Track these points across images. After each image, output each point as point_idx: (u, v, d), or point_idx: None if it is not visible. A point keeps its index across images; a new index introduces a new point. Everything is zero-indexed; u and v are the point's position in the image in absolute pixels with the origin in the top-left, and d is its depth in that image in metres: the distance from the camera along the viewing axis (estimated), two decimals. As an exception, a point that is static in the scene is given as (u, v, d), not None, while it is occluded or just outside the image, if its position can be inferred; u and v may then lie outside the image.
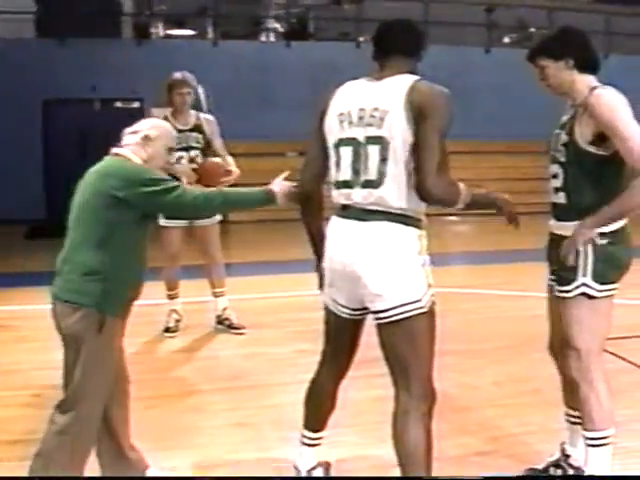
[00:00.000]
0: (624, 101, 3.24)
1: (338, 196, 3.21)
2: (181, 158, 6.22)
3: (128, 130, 3.49)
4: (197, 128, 6.34)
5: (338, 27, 18.38)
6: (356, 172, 3.12)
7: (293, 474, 3.67)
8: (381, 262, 3.04)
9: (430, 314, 3.12)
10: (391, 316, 3.07)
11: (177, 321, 6.56)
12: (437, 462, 3.22)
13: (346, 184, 3.16)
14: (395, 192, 3.04)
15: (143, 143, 3.42)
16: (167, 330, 6.49)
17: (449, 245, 11.71)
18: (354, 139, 3.14)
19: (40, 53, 14.61)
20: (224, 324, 6.57)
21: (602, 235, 3.29)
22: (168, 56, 14.07)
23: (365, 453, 4.06)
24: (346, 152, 3.16)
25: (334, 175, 3.24)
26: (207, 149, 6.35)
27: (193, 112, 6.39)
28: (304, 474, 3.59)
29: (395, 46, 3.26)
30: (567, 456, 3.78)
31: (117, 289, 3.25)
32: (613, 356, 5.72)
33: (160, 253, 6.26)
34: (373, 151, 3.07)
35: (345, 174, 3.16)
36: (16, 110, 14.23)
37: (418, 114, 3.00)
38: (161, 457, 3.87)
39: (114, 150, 3.42)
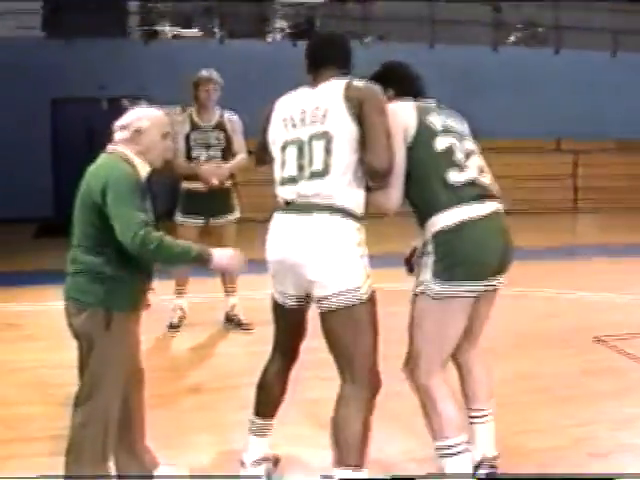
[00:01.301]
0: (402, 112, 3.39)
1: (282, 192, 3.35)
2: (199, 156, 6.26)
3: (118, 124, 3.39)
4: (219, 126, 6.36)
5: (344, 26, 18.34)
6: (301, 168, 3.28)
7: (299, 472, 3.68)
8: (321, 251, 3.16)
9: (371, 303, 3.22)
10: (332, 303, 3.17)
11: (181, 318, 6.56)
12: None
13: (291, 180, 3.31)
14: (340, 182, 3.21)
15: (135, 137, 3.34)
16: (171, 326, 6.51)
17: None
18: (298, 139, 3.33)
19: (48, 53, 14.63)
20: (233, 322, 6.57)
21: (441, 232, 3.29)
22: (175, 55, 14.14)
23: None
24: (291, 151, 3.34)
25: (279, 173, 3.39)
26: (228, 148, 6.36)
27: (218, 110, 6.41)
28: (249, 467, 3.61)
29: (327, 59, 3.48)
30: None
31: (122, 287, 3.25)
32: (621, 354, 5.71)
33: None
34: (318, 145, 3.26)
35: (290, 170, 3.32)
36: (24, 109, 14.26)
37: (358, 105, 3.24)
38: (167, 455, 3.86)
39: (110, 147, 3.37)
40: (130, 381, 3.45)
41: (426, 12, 16.77)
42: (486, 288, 3.39)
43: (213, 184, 6.19)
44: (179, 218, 6.32)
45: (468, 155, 3.42)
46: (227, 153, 6.36)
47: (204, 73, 6.38)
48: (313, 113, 3.32)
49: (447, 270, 3.25)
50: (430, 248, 3.30)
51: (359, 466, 3.15)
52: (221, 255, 3.28)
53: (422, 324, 3.35)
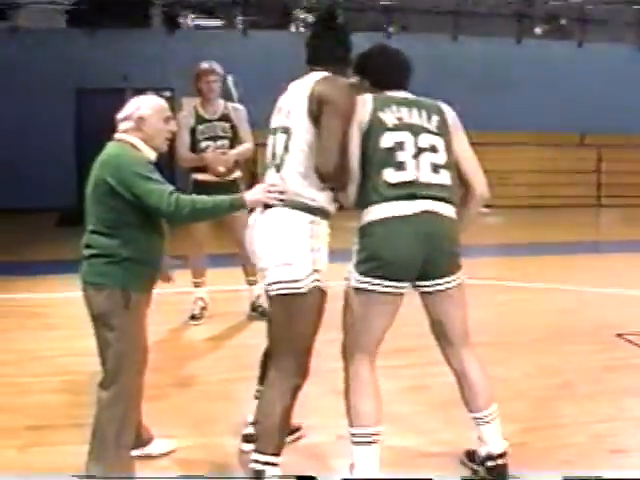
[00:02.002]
0: (359, 107, 3.37)
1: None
2: (207, 147, 6.27)
3: (119, 117, 3.54)
4: (225, 117, 6.37)
5: (367, 17, 18.29)
6: (272, 157, 3.47)
7: (322, 462, 3.67)
8: (269, 243, 3.33)
9: (310, 297, 3.29)
10: (272, 290, 3.34)
11: (202, 309, 6.58)
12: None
13: (265, 168, 3.50)
14: (292, 177, 3.34)
15: (139, 125, 3.49)
16: (192, 317, 6.53)
17: (479, 237, 11.64)
18: (274, 128, 3.51)
19: (72, 43, 14.71)
20: (257, 311, 6.56)
21: (363, 226, 3.33)
22: (198, 46, 14.12)
23: (391, 443, 4.02)
24: (270, 140, 3.53)
25: None
26: (235, 138, 6.38)
27: (222, 101, 6.42)
28: (248, 426, 3.79)
29: (319, 52, 3.55)
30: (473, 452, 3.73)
31: (137, 267, 3.41)
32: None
33: (186, 241, 6.30)
34: (280, 139, 3.42)
35: (268, 159, 3.51)
36: (49, 99, 14.35)
37: (319, 105, 3.30)
38: (186, 445, 3.87)
39: (116, 136, 3.53)
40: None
41: (449, 4, 16.69)
42: (424, 289, 3.39)
43: (220, 172, 6.18)
44: None
45: (420, 152, 3.34)
46: (234, 143, 6.38)
47: (204, 65, 6.39)
48: (287, 106, 3.46)
49: (363, 263, 3.31)
50: (355, 239, 3.38)
51: (276, 455, 3.33)
52: (254, 193, 3.41)
53: (344, 311, 3.43)
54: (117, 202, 3.35)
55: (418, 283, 3.38)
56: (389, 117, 3.36)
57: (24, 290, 7.73)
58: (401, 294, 3.36)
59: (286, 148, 3.38)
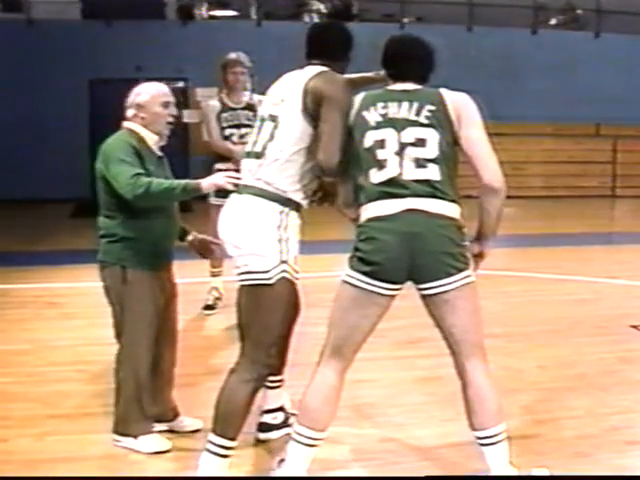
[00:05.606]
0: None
1: (242, 165, 3.55)
2: (232, 135, 6.31)
3: (126, 103, 3.76)
4: (249, 107, 6.38)
5: (382, 7, 18.21)
6: (254, 144, 3.47)
7: (336, 453, 3.69)
8: (238, 231, 3.34)
9: (278, 288, 3.31)
10: (242, 280, 3.36)
11: (217, 299, 6.61)
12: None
13: (247, 154, 3.50)
14: (271, 167, 3.34)
15: (137, 112, 3.71)
16: (206, 307, 6.56)
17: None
18: (262, 116, 3.52)
19: (86, 34, 14.72)
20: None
21: (358, 225, 3.25)
22: (212, 37, 14.13)
23: (407, 434, 4.05)
24: (256, 127, 3.54)
25: None
26: None
27: (248, 92, 6.45)
28: (264, 415, 3.92)
29: (317, 48, 3.56)
30: None
31: (135, 245, 3.66)
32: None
33: (207, 230, 6.30)
34: (267, 127, 3.42)
35: (249, 146, 3.51)
36: (63, 90, 14.37)
37: (316, 100, 3.29)
38: (201, 435, 3.89)
39: (123, 124, 3.76)
40: (162, 339, 3.83)
41: (465, -6, 16.62)
42: (421, 292, 3.18)
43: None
44: (212, 199, 6.29)
45: (403, 147, 3.15)
46: None
47: (232, 55, 6.43)
48: (279, 95, 3.46)
49: (353, 259, 3.19)
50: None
51: (232, 439, 3.35)
52: (211, 178, 3.54)
53: (332, 305, 3.31)
54: (109, 186, 3.62)
55: (416, 285, 3.19)
56: (373, 115, 3.23)
57: (41, 280, 7.78)
58: (389, 296, 3.18)
59: (271, 136, 3.37)
